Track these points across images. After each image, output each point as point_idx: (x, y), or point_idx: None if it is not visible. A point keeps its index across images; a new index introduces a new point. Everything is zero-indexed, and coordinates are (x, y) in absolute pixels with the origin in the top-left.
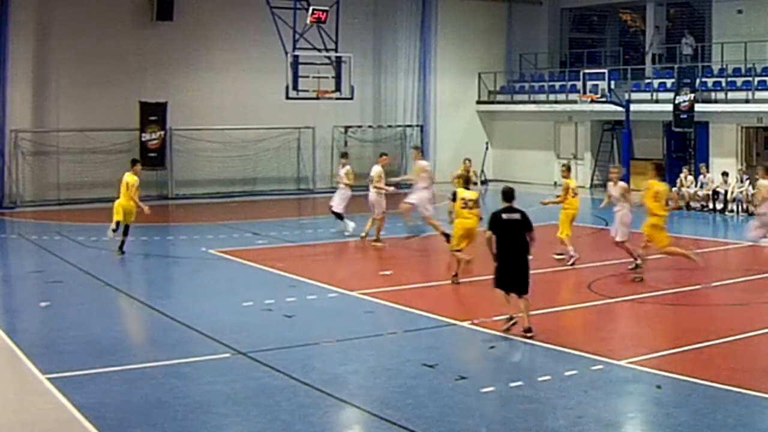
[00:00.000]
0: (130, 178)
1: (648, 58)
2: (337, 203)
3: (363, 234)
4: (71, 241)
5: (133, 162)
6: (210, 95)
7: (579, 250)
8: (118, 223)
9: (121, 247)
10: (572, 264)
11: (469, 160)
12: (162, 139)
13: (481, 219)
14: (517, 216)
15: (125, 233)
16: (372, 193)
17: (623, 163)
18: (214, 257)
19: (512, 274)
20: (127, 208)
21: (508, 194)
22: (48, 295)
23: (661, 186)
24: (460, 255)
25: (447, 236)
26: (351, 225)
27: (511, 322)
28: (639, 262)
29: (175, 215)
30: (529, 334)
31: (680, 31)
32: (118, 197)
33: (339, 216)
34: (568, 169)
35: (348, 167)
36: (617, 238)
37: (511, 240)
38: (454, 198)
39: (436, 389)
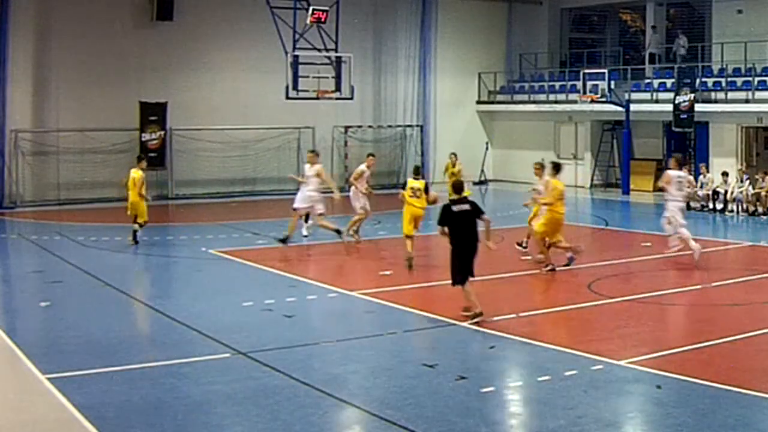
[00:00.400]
0: (136, 173)
1: (646, 58)
2: (305, 206)
3: (353, 233)
4: (71, 241)
5: (138, 158)
6: (210, 95)
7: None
8: (141, 224)
9: (134, 237)
10: (526, 254)
11: (455, 155)
12: (162, 139)
13: (432, 202)
14: (466, 206)
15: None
16: (351, 190)
17: (623, 163)
18: (214, 257)
19: (466, 260)
20: (137, 204)
21: (458, 187)
22: (48, 295)
23: (560, 184)
24: (409, 243)
25: (338, 231)
26: (304, 227)
27: (477, 319)
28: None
29: (175, 215)
30: (466, 314)
31: (680, 31)
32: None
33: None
34: (542, 167)
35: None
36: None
37: (464, 229)
38: (404, 187)
39: (436, 389)
